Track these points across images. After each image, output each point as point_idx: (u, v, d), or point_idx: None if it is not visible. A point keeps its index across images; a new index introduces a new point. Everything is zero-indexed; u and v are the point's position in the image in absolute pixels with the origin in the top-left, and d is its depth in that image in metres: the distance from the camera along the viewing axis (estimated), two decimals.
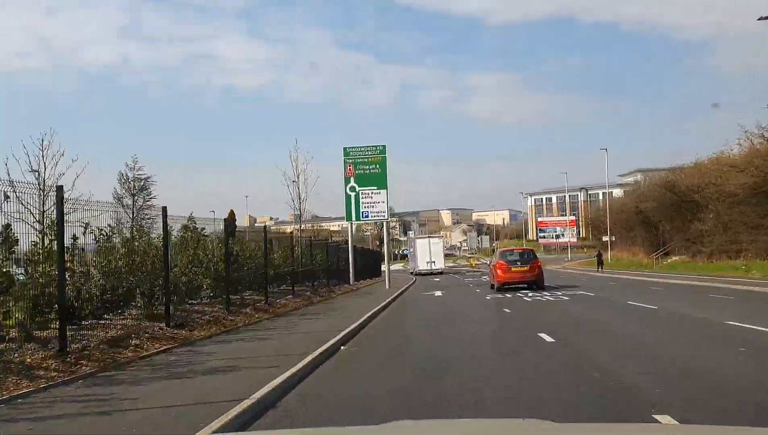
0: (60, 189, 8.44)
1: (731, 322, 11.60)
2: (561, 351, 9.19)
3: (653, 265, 43.34)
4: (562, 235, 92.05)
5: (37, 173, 18.83)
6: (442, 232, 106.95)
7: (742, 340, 9.52)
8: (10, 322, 7.85)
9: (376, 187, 31.01)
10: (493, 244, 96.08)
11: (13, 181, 8.22)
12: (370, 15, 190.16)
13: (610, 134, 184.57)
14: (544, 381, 7.06)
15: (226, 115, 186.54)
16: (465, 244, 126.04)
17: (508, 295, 21.85)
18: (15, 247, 8.15)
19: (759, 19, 23.25)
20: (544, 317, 14.33)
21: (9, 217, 8.08)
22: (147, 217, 34.98)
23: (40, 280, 8.31)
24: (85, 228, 10.16)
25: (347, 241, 34.09)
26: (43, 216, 10.87)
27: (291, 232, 23.53)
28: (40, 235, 9.07)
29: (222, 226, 16.53)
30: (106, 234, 11.00)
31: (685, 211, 40.72)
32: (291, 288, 20.45)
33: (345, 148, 31.56)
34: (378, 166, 31.20)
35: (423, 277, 45.49)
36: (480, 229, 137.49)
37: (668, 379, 6.88)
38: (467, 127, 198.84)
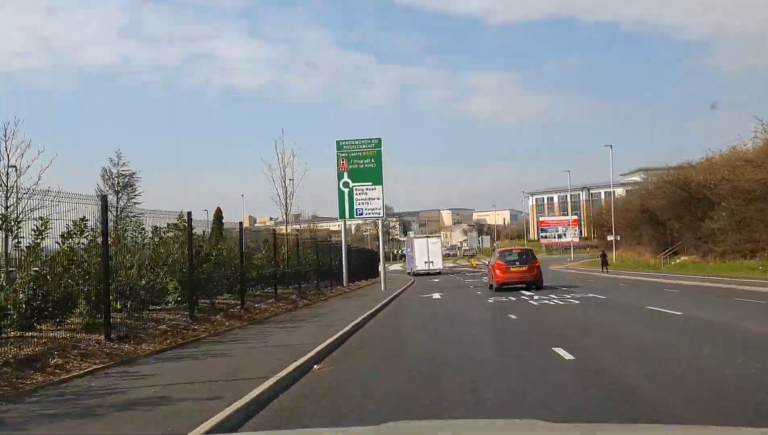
0: None
1: None
2: (586, 375, 7.34)
3: (661, 266, 41.51)
4: (564, 234, 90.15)
5: None
6: (441, 232, 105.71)
7: None
8: None
9: (371, 183, 29.07)
10: (494, 245, 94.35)
11: None
12: (370, 15, 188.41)
13: (610, 134, 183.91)
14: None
15: (226, 115, 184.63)
16: (465, 244, 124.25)
17: (512, 298, 20.03)
18: None
19: None
20: (556, 325, 12.50)
21: None
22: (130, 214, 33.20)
23: None
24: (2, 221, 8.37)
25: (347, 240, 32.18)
26: None
27: (274, 230, 21.67)
28: None
29: (190, 222, 14.59)
30: (37, 228, 9.18)
31: (695, 208, 38.83)
32: (274, 291, 18.60)
33: (338, 142, 29.69)
34: (373, 160, 29.27)
35: (421, 278, 44.04)
36: (481, 229, 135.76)
37: None
38: (467, 127, 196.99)
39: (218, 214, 27.40)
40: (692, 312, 13.83)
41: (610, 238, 54.18)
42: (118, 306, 11.53)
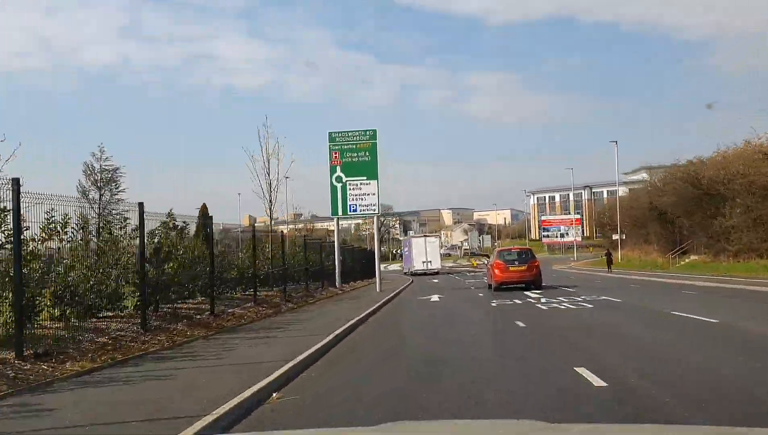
0: None
1: None
2: (625, 410, 5.55)
3: (669, 265, 39.72)
4: (567, 234, 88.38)
5: None
6: (440, 232, 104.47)
7: None
8: None
9: (365, 178, 27.25)
10: (495, 244, 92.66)
11: None
12: (370, 15, 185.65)
13: (610, 134, 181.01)
14: None
15: (226, 115, 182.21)
16: (466, 244, 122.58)
17: (517, 301, 18.24)
18: None
19: None
20: (571, 336, 10.71)
21: None
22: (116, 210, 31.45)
23: None
24: None
25: (344, 239, 30.32)
26: None
27: (253, 226, 19.88)
28: None
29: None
30: None
31: (707, 205, 36.94)
32: (253, 293, 16.81)
33: (330, 133, 27.98)
34: (367, 153, 27.46)
35: (420, 278, 42.40)
36: (481, 228, 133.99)
37: None
38: (467, 127, 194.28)
39: (204, 210, 25.46)
40: (729, 319, 12.01)
41: (615, 236, 52.34)
42: (56, 313, 9.81)
